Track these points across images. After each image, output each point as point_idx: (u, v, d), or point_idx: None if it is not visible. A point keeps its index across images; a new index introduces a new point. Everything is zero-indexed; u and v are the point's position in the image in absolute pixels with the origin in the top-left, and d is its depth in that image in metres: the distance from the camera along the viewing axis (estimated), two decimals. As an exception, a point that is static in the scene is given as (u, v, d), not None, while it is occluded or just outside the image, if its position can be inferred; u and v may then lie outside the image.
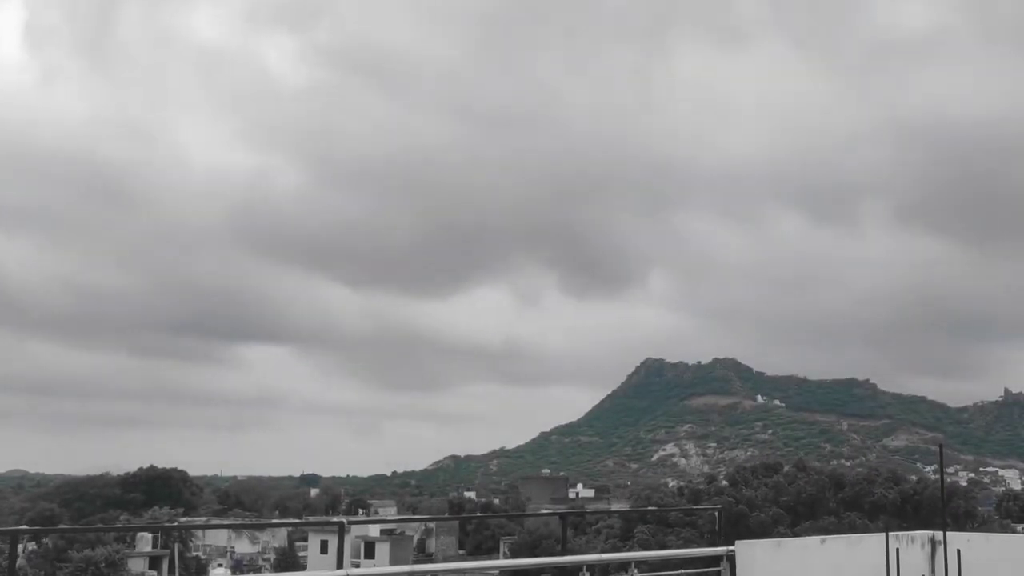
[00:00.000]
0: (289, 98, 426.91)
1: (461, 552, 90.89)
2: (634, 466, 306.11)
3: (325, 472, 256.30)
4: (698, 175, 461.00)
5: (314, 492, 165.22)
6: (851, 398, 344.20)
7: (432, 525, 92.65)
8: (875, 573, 8.72)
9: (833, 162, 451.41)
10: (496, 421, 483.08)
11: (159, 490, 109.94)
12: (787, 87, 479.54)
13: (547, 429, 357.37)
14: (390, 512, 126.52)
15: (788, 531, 53.90)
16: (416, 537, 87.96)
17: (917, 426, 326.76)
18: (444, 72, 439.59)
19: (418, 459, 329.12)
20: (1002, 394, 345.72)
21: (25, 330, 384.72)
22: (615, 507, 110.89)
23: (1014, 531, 60.92)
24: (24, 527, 36.21)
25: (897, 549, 8.73)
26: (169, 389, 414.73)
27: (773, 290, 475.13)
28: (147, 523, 74.88)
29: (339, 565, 9.58)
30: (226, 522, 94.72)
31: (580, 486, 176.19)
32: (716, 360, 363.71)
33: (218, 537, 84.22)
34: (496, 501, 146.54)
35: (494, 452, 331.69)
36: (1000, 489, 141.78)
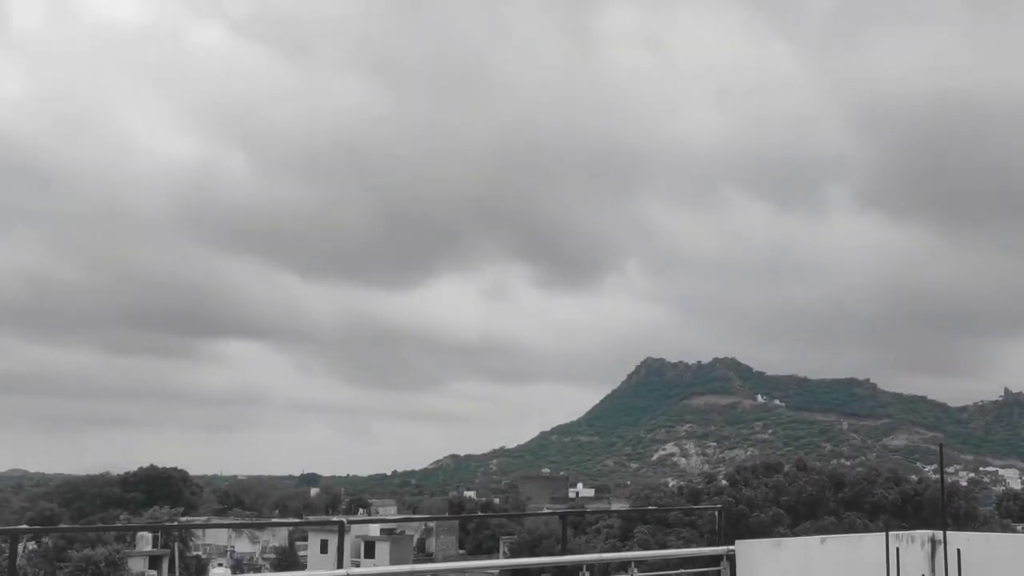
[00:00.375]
0: (219, 79, 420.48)
1: (461, 551, 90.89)
2: (634, 466, 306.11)
3: (316, 471, 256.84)
4: (654, 156, 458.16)
5: (314, 491, 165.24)
6: (851, 398, 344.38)
7: (432, 525, 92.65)
8: (875, 573, 8.71)
9: (792, 143, 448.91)
10: (486, 419, 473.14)
11: (159, 490, 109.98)
12: (738, 58, 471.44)
13: (547, 428, 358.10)
14: (390, 512, 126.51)
15: (788, 531, 53.90)
16: (416, 536, 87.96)
17: (917, 426, 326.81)
18: (368, 38, 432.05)
19: (418, 459, 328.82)
20: (1002, 394, 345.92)
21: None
22: (615, 507, 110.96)
23: (1014, 531, 60.95)
24: (24, 526, 36.23)
25: (897, 549, 8.73)
26: (153, 387, 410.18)
27: (747, 282, 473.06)
28: (147, 522, 74.79)
29: (339, 564, 9.58)
30: (226, 521, 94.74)
31: (580, 486, 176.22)
32: (716, 360, 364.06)
33: (218, 536, 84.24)
34: (496, 501, 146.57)
35: (494, 451, 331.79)
36: (1000, 489, 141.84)
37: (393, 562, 64.24)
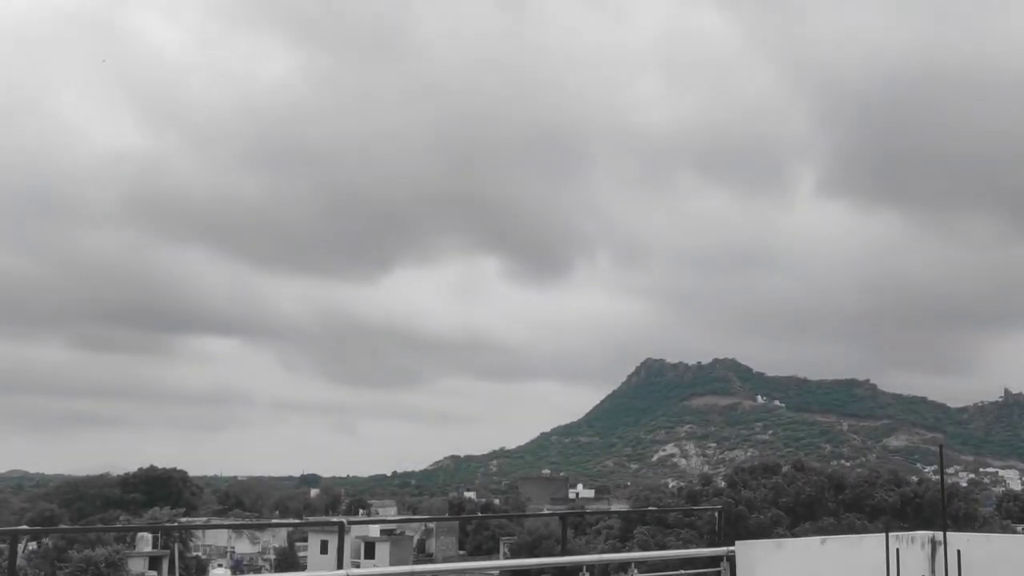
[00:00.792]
0: (151, 63, 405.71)
1: (461, 552, 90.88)
2: (634, 466, 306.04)
3: (309, 471, 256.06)
4: (601, 135, 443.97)
5: (314, 492, 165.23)
6: (851, 398, 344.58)
7: (432, 525, 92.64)
8: (875, 574, 8.71)
9: (748, 122, 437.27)
10: (478, 418, 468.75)
11: (159, 490, 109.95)
12: (681, 30, 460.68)
13: (547, 429, 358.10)
14: (390, 512, 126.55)
15: (787, 532, 53.87)
16: (416, 537, 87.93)
17: (917, 426, 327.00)
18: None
19: (417, 459, 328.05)
20: (1002, 394, 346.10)
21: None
22: (615, 507, 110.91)
23: (1014, 531, 60.91)
24: (24, 527, 36.19)
25: (897, 550, 8.73)
26: (131, 386, 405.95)
27: (721, 273, 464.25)
28: (147, 523, 74.79)
29: (339, 565, 9.58)
30: (226, 522, 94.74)
31: (580, 486, 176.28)
32: (716, 360, 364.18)
33: (218, 537, 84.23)
34: (496, 501, 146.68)
35: (494, 452, 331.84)
36: (1000, 489, 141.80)
37: (393, 563, 64.22)
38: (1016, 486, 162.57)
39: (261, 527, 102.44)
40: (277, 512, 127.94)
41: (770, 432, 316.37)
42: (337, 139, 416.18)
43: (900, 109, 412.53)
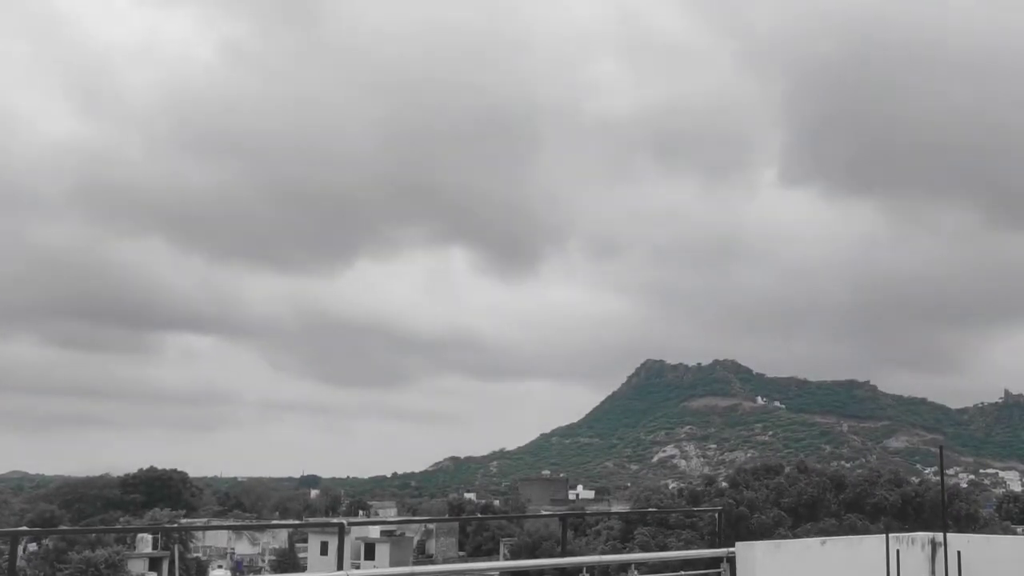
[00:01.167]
0: (91, 48, 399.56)
1: (461, 553, 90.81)
2: (634, 467, 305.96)
3: (305, 472, 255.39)
4: (555, 119, 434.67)
5: (314, 493, 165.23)
6: (851, 399, 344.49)
7: (432, 526, 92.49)
8: (876, 574, 8.71)
9: (704, 108, 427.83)
10: (474, 418, 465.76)
11: (159, 491, 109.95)
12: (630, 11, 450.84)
13: (547, 430, 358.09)
14: (390, 513, 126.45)
15: (789, 533, 53.86)
16: (416, 538, 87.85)
17: (917, 427, 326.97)
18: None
19: (417, 461, 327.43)
20: (1002, 395, 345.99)
21: None
22: (615, 508, 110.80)
23: (1014, 533, 60.88)
24: (24, 528, 36.22)
25: (898, 551, 8.73)
26: (113, 384, 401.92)
27: (693, 266, 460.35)
28: (147, 524, 74.87)
29: (339, 566, 9.57)
30: (226, 523, 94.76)
31: (580, 487, 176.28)
32: (716, 362, 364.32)
33: (218, 538, 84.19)
34: (496, 502, 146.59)
35: (494, 453, 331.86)
36: (1000, 491, 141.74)
37: (393, 564, 64.19)
38: (1016, 487, 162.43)
39: (261, 528, 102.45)
40: (277, 513, 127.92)
41: (770, 433, 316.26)
42: (282, 127, 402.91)
43: (869, 88, 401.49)
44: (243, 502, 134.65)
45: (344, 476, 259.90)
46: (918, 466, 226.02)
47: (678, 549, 47.89)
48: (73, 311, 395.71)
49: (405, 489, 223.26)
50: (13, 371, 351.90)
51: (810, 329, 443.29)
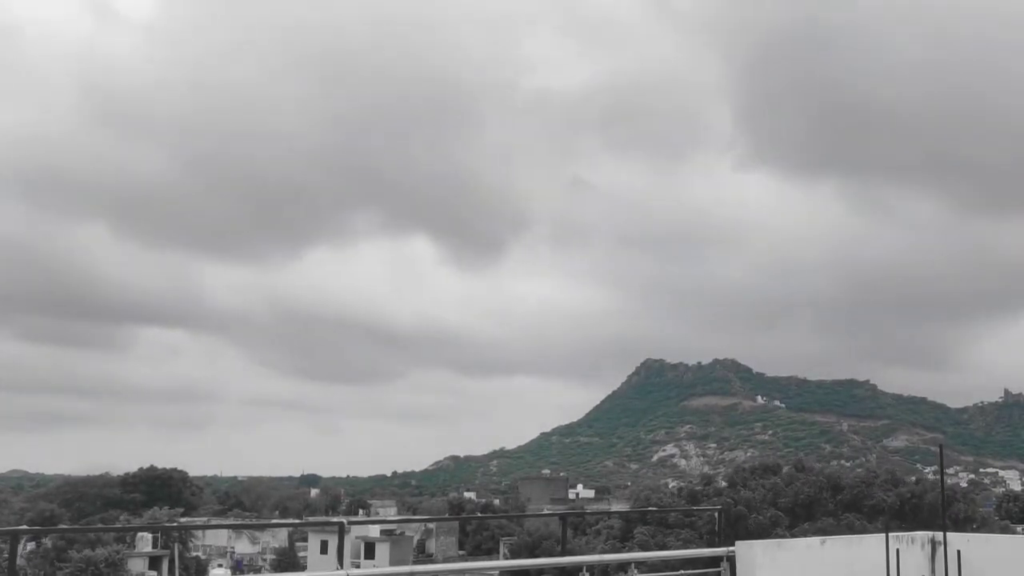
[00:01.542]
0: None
1: (461, 552, 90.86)
2: (634, 467, 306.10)
3: (301, 470, 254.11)
4: (496, 95, 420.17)
5: (314, 492, 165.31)
6: (851, 399, 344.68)
7: (432, 526, 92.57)
8: (875, 574, 8.72)
9: (649, 83, 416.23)
10: (468, 415, 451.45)
11: (159, 490, 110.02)
12: None
13: (547, 429, 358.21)
14: (390, 512, 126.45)
15: (786, 533, 53.87)
16: (416, 538, 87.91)
17: (917, 427, 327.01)
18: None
19: (418, 459, 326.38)
20: (1002, 395, 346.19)
21: None
22: (615, 508, 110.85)
23: (1014, 532, 60.91)
24: (24, 527, 36.22)
25: (897, 550, 8.74)
26: (86, 380, 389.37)
27: (666, 258, 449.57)
28: (147, 523, 74.79)
29: (339, 565, 9.57)
30: (226, 522, 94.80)
31: (580, 486, 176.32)
32: (716, 361, 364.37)
33: (218, 537, 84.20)
34: (496, 501, 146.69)
35: (494, 452, 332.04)
36: (1000, 490, 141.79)
37: (393, 563, 64.24)
38: (1016, 486, 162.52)
39: (261, 527, 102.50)
40: (277, 512, 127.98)
41: (770, 432, 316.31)
42: (216, 107, 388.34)
43: (824, 61, 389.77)
44: (243, 501, 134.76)
45: (343, 475, 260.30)
46: (918, 465, 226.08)
47: (678, 548, 47.87)
48: (33, 304, 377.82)
49: (405, 488, 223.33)
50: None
51: (799, 325, 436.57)
